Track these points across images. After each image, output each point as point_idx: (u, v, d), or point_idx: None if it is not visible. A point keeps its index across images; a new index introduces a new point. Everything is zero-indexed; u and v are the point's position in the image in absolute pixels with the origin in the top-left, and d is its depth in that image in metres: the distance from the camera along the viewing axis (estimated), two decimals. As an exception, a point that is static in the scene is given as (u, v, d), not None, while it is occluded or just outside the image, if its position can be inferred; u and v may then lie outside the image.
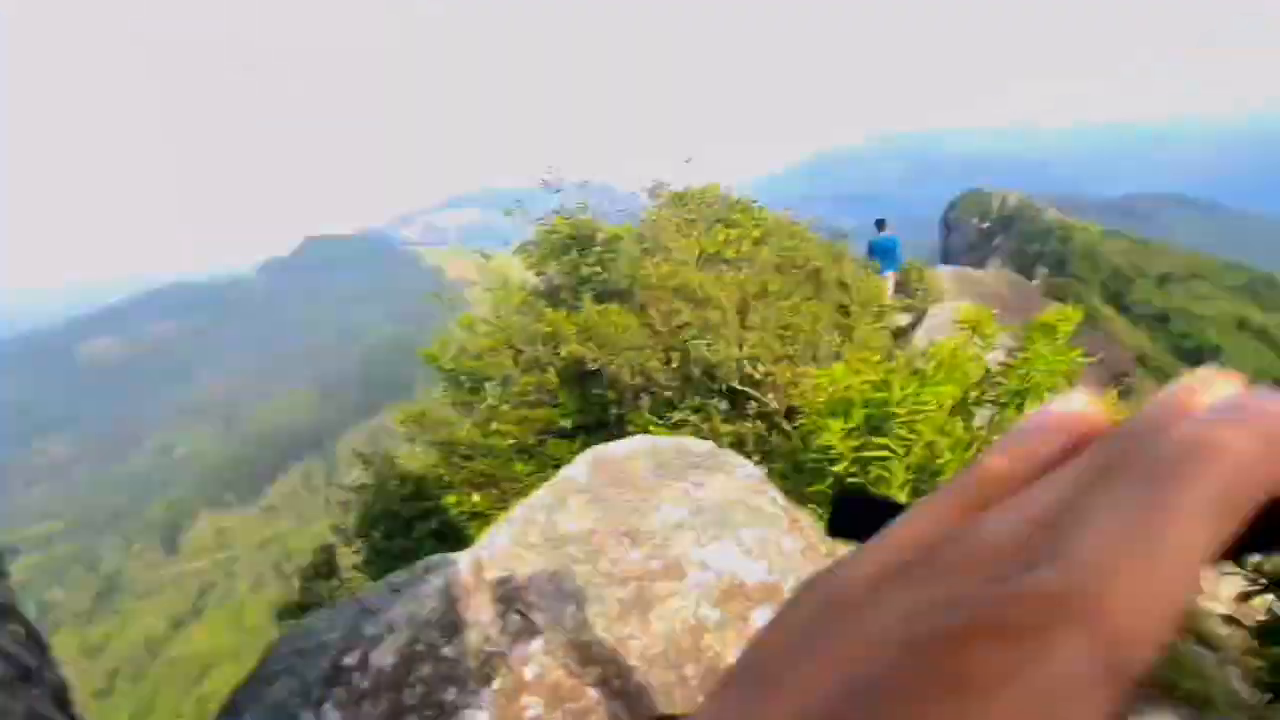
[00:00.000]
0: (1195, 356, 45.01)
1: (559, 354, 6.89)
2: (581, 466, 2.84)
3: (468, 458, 6.59)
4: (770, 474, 3.04)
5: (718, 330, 5.28)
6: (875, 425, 2.91)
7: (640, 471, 2.71)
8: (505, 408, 7.24)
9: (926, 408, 2.54)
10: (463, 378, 7.44)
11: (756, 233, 7.17)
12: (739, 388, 5.29)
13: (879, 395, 2.62)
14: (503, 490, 6.14)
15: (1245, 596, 2.13)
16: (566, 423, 7.11)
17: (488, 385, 7.05)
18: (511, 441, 6.84)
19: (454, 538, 5.76)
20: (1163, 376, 29.92)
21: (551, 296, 7.94)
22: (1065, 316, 2.31)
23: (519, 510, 2.71)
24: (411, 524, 6.43)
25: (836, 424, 2.86)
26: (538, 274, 7.76)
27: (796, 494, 3.00)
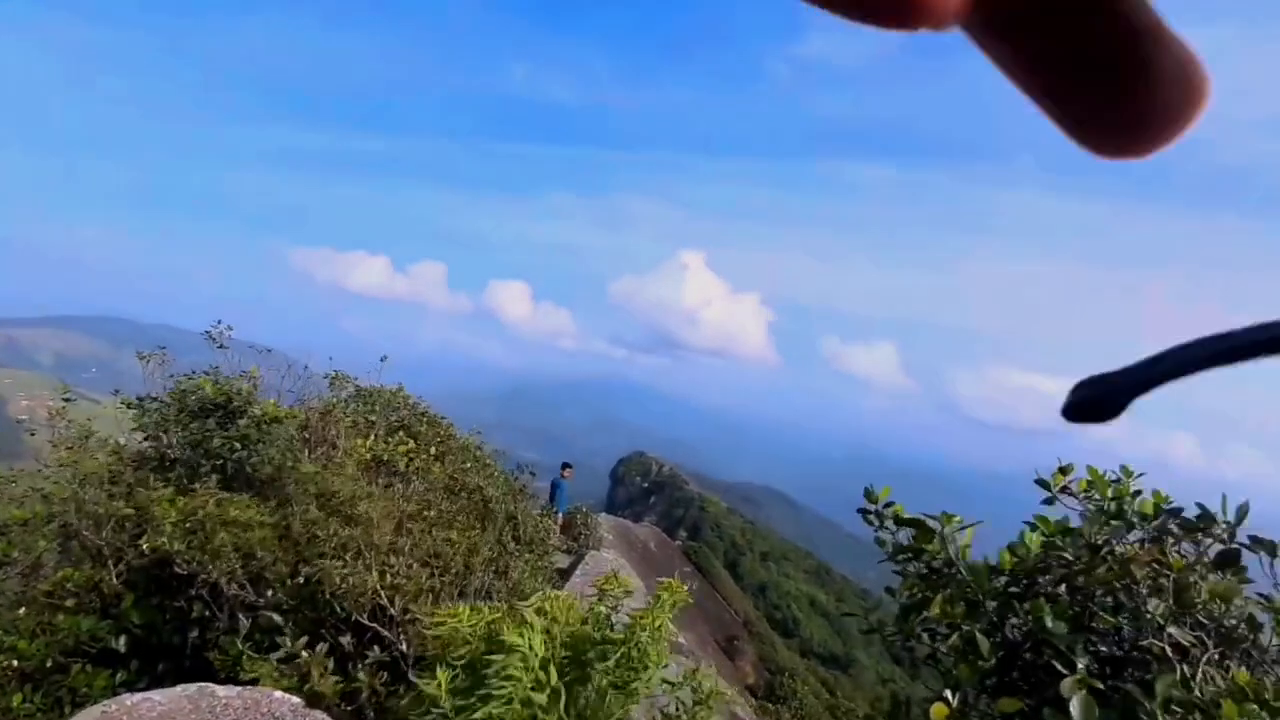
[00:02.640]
0: (783, 627, 54.25)
1: (140, 546, 5.24)
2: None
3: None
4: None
5: (360, 551, 4.63)
6: (482, 675, 2.66)
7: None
8: (20, 612, 5.04)
9: (533, 658, 2.44)
10: (-41, 559, 5.08)
11: (436, 448, 6.93)
12: (367, 623, 4.53)
13: (494, 640, 2.47)
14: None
15: None
16: (118, 642, 5.16)
17: (-3, 574, 4.91)
18: (16, 662, 4.65)
19: None
20: (761, 643, 34.93)
21: (161, 470, 6.25)
22: (672, 590, 2.55)
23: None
24: None
25: (444, 674, 2.55)
26: (147, 438, 6.11)
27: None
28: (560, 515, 14.68)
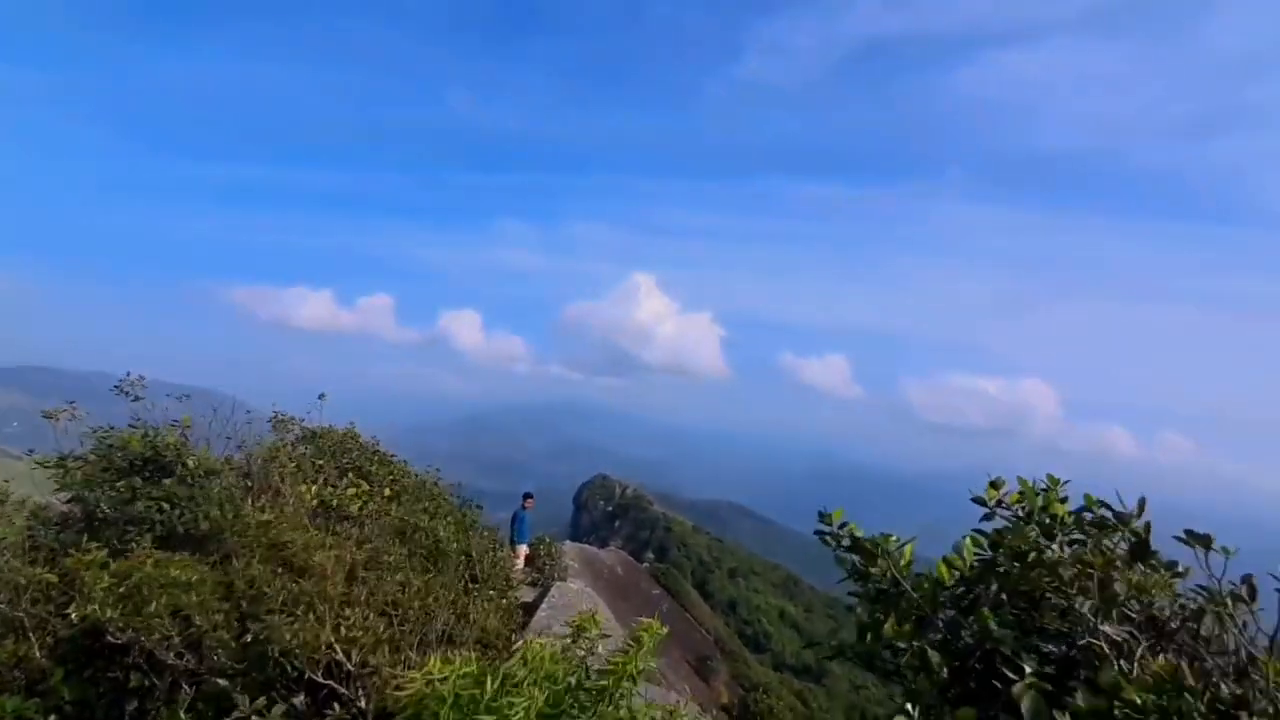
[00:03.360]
0: (755, 642, 54.29)
1: (67, 615, 4.88)
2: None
3: None
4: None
5: (311, 604, 4.43)
6: None
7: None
8: (-71, 699, 4.61)
9: (512, 714, 2.38)
10: None
11: (390, 490, 6.72)
12: (322, 681, 4.32)
13: (469, 693, 2.39)
14: None
15: None
16: (47, 722, 4.77)
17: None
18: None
19: None
20: (734, 661, 34.82)
21: (89, 532, 5.85)
22: (651, 630, 2.54)
23: None
24: None
25: None
26: (72, 498, 5.71)
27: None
28: (523, 548, 14.41)
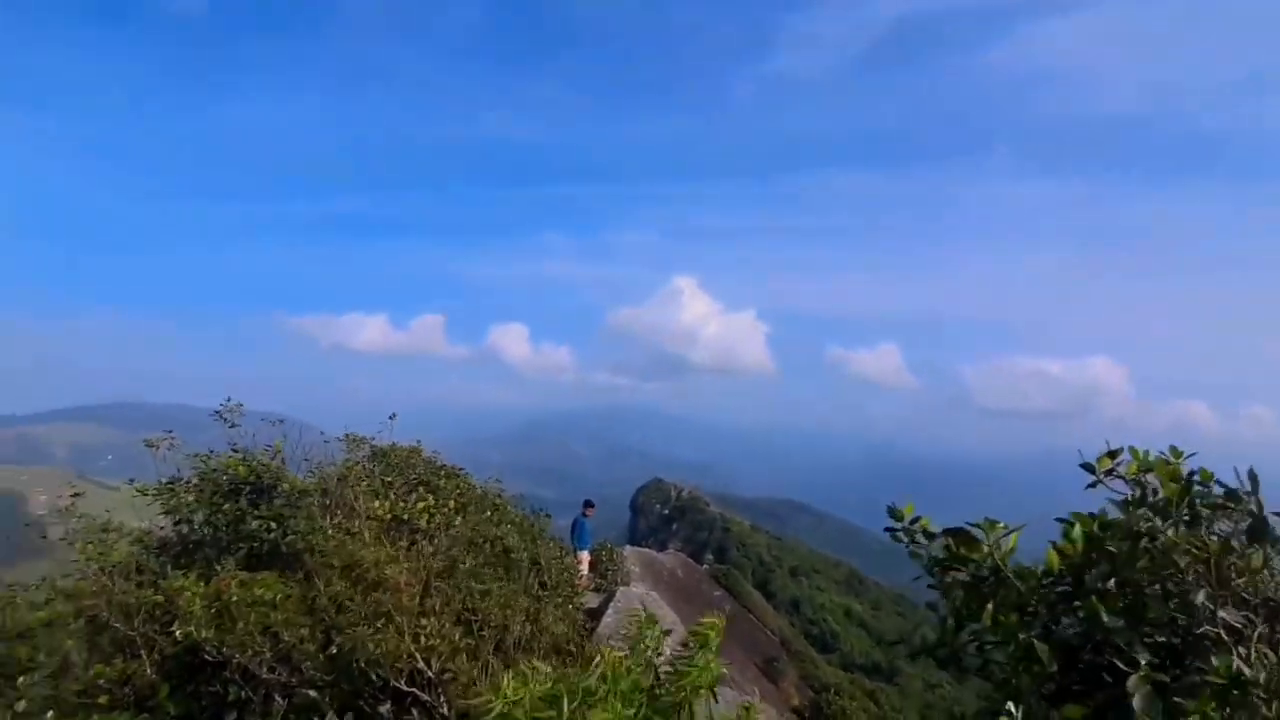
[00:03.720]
0: (822, 642, 53.14)
1: (172, 634, 5.18)
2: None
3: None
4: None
5: (390, 616, 4.57)
6: None
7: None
8: (48, 716, 4.95)
9: None
10: (-12, 668, 5.01)
11: (455, 502, 6.88)
12: (405, 689, 4.45)
13: (547, 715, 2.37)
14: None
15: None
16: (158, 734, 5.07)
17: (22, 681, 4.82)
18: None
19: None
20: (801, 661, 34.19)
21: (188, 554, 6.20)
22: (714, 627, 2.50)
23: None
24: None
25: None
26: (178, 521, 6.07)
27: None
28: (585, 555, 14.46)
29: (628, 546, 24.35)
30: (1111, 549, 2.12)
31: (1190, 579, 2.04)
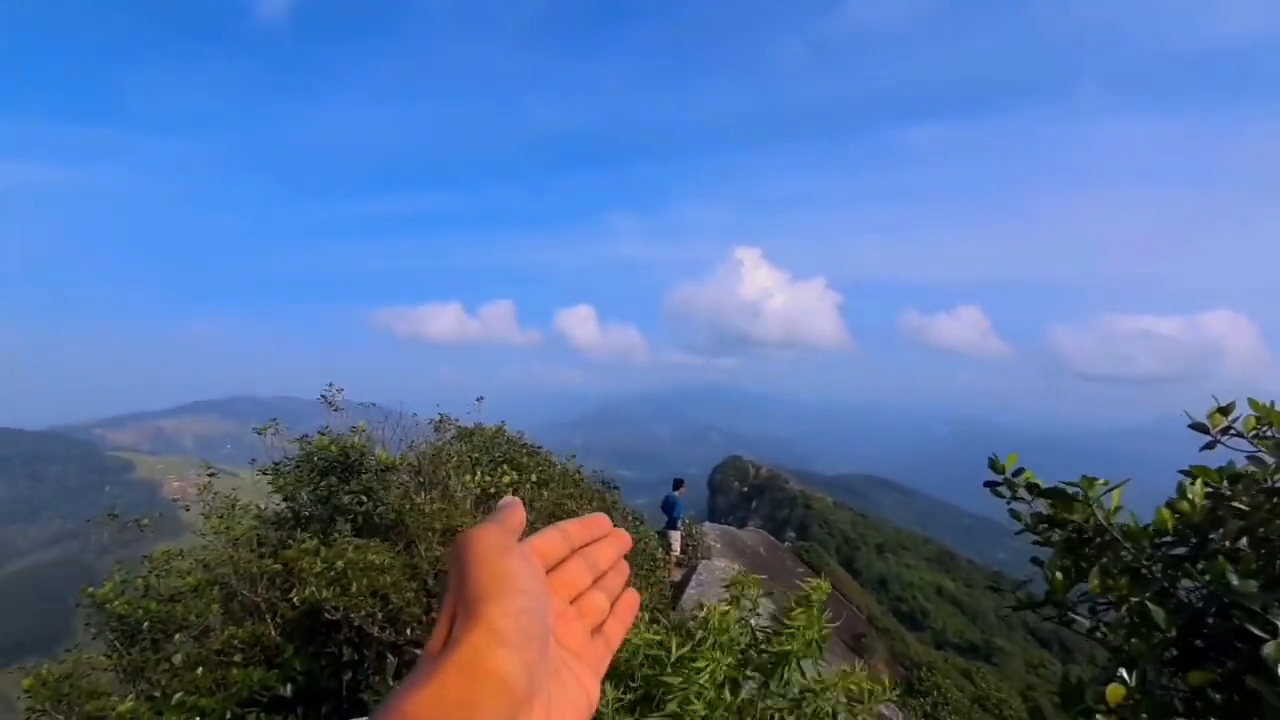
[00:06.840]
0: (911, 620, 51.64)
1: (291, 599, 5.69)
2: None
3: (120, 748, 4.73)
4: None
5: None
6: (650, 695, 2.68)
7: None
8: (198, 672, 5.56)
9: (699, 677, 2.43)
10: (145, 626, 5.66)
11: (537, 477, 7.13)
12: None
13: (656, 655, 2.46)
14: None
15: None
16: (285, 689, 5.60)
17: (177, 638, 5.42)
18: (199, 718, 5.12)
19: None
20: (891, 638, 33.43)
21: (299, 527, 6.79)
22: (820, 589, 2.49)
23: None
24: None
25: (612, 692, 2.58)
26: (285, 499, 6.65)
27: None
28: (677, 533, 14.53)
29: (708, 523, 24.43)
30: (1242, 505, 1.92)
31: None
